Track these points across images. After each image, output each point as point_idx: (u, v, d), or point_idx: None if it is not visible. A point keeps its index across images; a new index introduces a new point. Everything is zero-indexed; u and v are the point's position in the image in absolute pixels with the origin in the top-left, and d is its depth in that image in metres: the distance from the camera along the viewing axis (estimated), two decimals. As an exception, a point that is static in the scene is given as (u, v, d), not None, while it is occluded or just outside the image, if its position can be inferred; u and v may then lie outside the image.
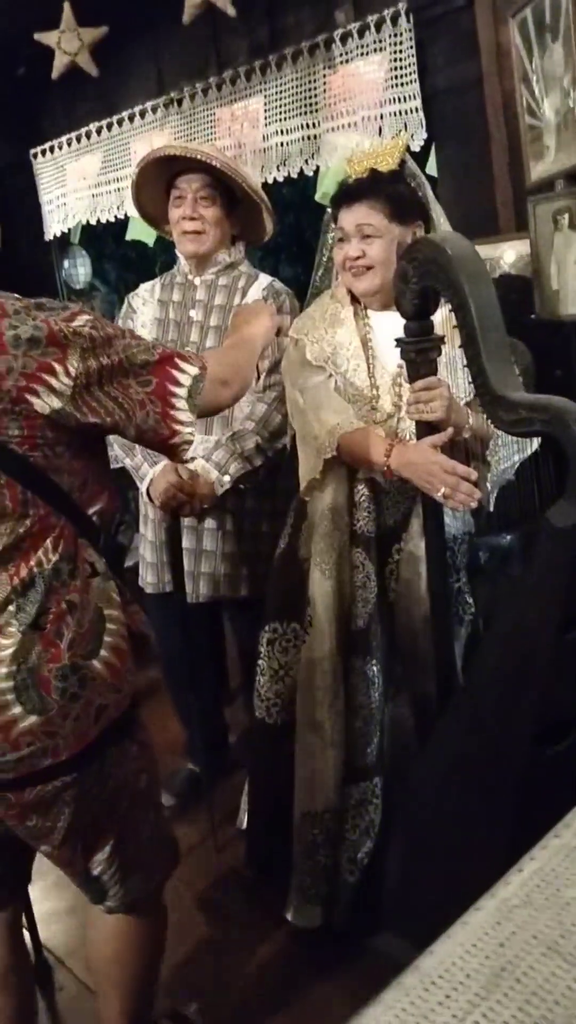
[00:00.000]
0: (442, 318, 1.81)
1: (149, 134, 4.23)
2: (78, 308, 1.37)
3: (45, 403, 1.27)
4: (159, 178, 2.28)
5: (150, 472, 2.17)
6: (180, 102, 4.02)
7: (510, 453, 1.98)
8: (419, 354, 1.76)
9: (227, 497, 2.18)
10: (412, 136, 3.24)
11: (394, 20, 3.18)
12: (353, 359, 1.97)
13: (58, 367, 1.28)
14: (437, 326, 1.78)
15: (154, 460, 2.19)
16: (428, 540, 1.90)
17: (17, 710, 1.28)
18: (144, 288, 2.36)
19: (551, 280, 2.15)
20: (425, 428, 1.82)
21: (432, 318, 1.76)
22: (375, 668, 1.95)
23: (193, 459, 2.19)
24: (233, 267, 2.30)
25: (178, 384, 1.38)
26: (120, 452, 2.27)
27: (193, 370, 1.42)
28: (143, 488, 2.20)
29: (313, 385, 1.96)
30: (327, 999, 1.86)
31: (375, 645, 1.95)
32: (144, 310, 2.31)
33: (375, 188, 1.92)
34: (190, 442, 1.40)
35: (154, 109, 4.16)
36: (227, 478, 2.12)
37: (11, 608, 1.29)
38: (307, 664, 1.98)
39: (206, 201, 2.21)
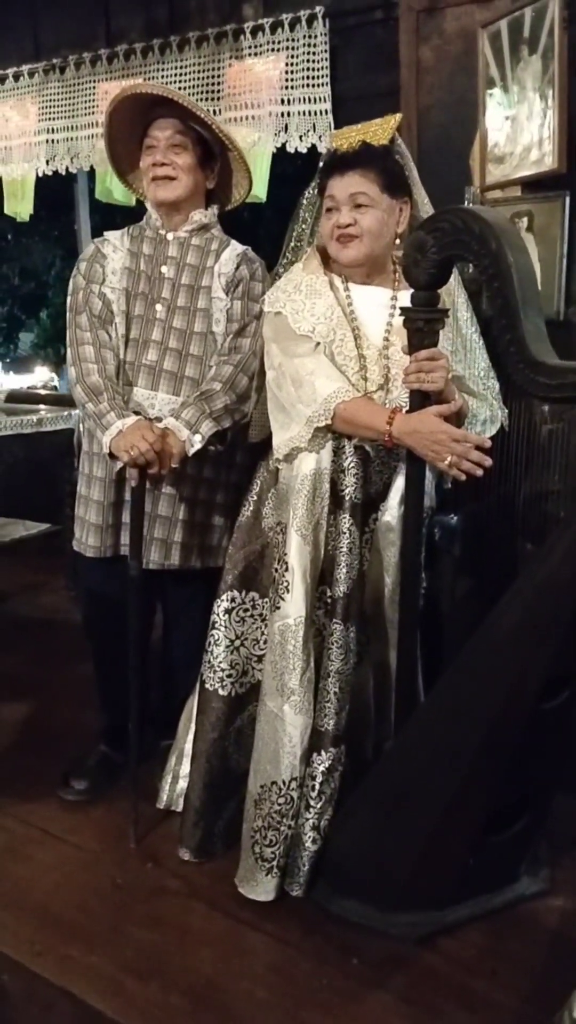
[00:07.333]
0: (447, 292, 1.88)
1: (18, 99, 4.05)
2: None
3: None
4: (133, 133, 2.20)
5: (117, 423, 2.03)
6: (63, 70, 3.86)
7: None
8: (427, 323, 1.80)
9: (186, 464, 2.11)
10: (320, 138, 3.33)
11: (309, 22, 3.26)
12: (338, 329, 1.98)
13: None
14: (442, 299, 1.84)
15: (123, 411, 2.07)
16: (407, 510, 1.95)
17: None
18: (113, 235, 2.23)
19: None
20: (419, 400, 1.86)
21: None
22: (353, 634, 1.96)
23: (160, 418, 2.11)
24: (207, 228, 2.24)
25: None
26: (83, 395, 2.11)
27: None
28: (106, 439, 2.05)
29: (303, 353, 1.95)
30: (298, 969, 1.82)
31: (353, 611, 1.96)
32: (114, 256, 2.19)
33: (369, 158, 1.96)
34: None
35: (31, 73, 3.98)
36: (198, 437, 2.04)
37: None
38: (281, 631, 1.95)
39: (177, 148, 2.14)
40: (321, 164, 2.06)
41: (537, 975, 1.78)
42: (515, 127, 2.22)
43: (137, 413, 2.11)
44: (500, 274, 1.62)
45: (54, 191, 4.13)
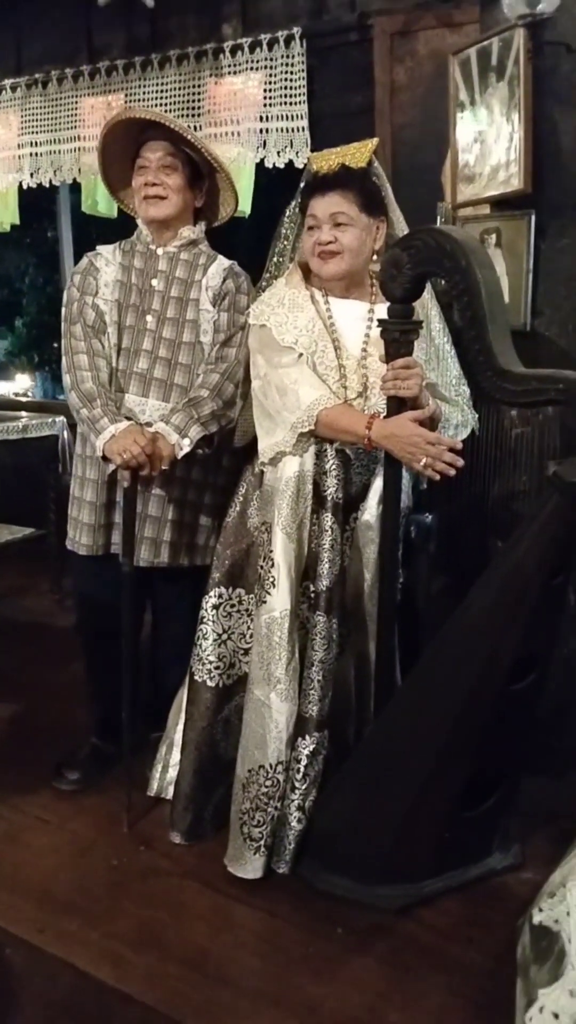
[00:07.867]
0: (421, 305, 2.01)
1: (2, 113, 4.15)
2: None
3: None
4: (125, 152, 2.32)
5: (110, 428, 2.15)
6: (46, 84, 3.97)
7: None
8: (402, 334, 1.94)
9: (175, 466, 2.22)
10: (297, 154, 3.46)
11: (287, 42, 3.39)
12: (320, 340, 2.10)
13: None
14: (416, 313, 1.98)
15: (115, 416, 2.19)
16: (385, 510, 2.08)
17: None
18: (105, 249, 2.35)
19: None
20: (396, 405, 2.00)
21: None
22: (335, 625, 2.09)
23: (151, 423, 2.22)
24: (195, 244, 2.36)
25: None
26: (77, 401, 2.22)
27: None
28: (99, 443, 2.16)
29: (287, 363, 2.07)
30: (286, 938, 1.94)
31: (335, 604, 2.09)
32: (107, 270, 2.31)
33: (349, 179, 2.09)
34: None
35: (13, 88, 4.07)
36: (187, 441, 2.16)
37: None
38: (267, 623, 2.07)
39: (168, 169, 2.27)
40: (302, 185, 2.19)
41: (510, 941, 1.90)
42: (484, 148, 2.36)
43: (129, 418, 2.22)
44: (469, 289, 1.77)
45: (27, 200, 4.23)
